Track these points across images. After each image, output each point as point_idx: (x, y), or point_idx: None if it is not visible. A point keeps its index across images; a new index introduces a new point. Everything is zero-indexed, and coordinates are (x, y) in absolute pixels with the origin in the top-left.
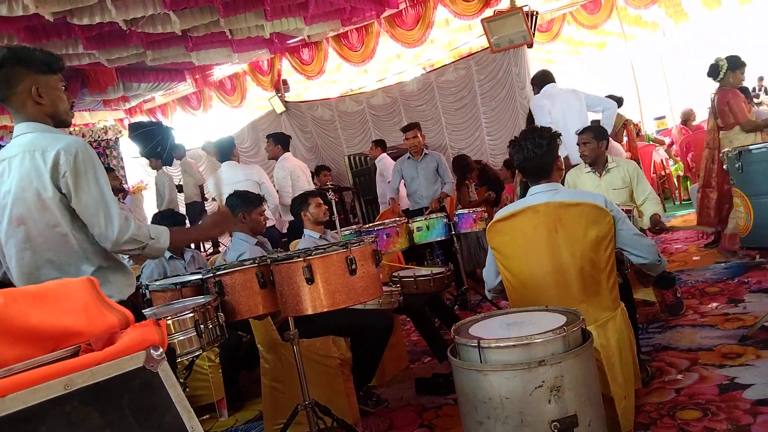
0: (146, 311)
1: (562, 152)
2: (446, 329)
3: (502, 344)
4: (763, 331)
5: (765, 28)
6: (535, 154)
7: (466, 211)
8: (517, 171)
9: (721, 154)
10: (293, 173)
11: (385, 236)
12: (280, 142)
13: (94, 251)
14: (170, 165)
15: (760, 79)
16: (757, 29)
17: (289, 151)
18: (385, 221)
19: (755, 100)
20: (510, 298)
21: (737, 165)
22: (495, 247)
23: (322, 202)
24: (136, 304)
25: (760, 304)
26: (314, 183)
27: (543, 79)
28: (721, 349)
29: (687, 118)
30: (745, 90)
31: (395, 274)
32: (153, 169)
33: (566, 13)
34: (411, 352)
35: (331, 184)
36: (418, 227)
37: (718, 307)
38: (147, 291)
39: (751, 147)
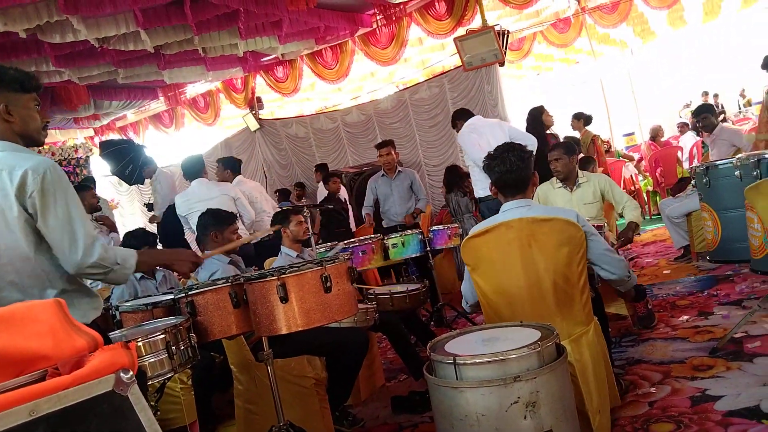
0: (115, 333)
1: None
2: (422, 346)
3: (477, 361)
4: (733, 343)
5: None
6: (518, 167)
7: (440, 227)
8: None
9: (689, 168)
10: (250, 195)
11: (360, 253)
12: (229, 166)
13: (57, 275)
14: (141, 183)
15: (741, 91)
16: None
17: (240, 174)
18: (360, 237)
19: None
20: (485, 313)
21: (705, 180)
22: (469, 263)
23: (303, 220)
24: (106, 325)
25: (729, 317)
26: (326, 189)
27: (465, 114)
28: (693, 362)
29: (655, 134)
30: None
31: (370, 291)
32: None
33: (536, 32)
34: (387, 370)
35: (305, 201)
36: (393, 244)
37: (688, 319)
38: (117, 312)
39: (717, 163)
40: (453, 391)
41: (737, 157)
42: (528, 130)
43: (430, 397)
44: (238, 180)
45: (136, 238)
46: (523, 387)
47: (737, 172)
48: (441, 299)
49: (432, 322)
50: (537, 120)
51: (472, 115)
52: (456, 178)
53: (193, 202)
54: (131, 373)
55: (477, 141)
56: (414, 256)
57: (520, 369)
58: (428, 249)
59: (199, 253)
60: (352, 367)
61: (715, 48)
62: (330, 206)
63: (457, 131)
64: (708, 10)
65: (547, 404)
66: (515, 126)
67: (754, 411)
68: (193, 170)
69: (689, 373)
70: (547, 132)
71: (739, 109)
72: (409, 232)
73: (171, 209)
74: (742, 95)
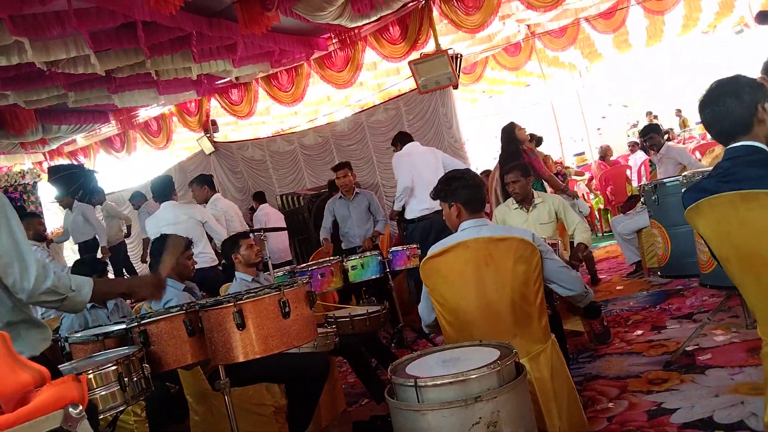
0: (65, 365)
1: (419, 204)
2: (383, 369)
3: (438, 382)
4: (685, 356)
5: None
6: (480, 183)
7: (399, 248)
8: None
9: (638, 186)
10: (227, 213)
11: (319, 276)
12: (206, 182)
13: (2, 307)
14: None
15: (648, 114)
16: (663, 68)
17: (218, 191)
18: (319, 260)
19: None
20: (445, 333)
21: (653, 198)
22: (428, 283)
23: (253, 243)
24: (54, 358)
25: (681, 330)
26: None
27: (404, 138)
28: (648, 375)
29: (605, 154)
30: None
31: (330, 314)
32: (64, 208)
33: (489, 56)
34: (348, 395)
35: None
36: (352, 266)
37: (643, 334)
38: (66, 344)
39: (665, 180)
40: (415, 414)
41: (683, 174)
42: (503, 147)
43: (392, 421)
44: (215, 198)
45: (85, 266)
46: (484, 407)
47: (684, 189)
48: (401, 321)
49: (393, 344)
50: (510, 136)
51: (410, 140)
52: None
53: (161, 226)
54: (81, 407)
55: (408, 167)
56: (374, 277)
57: (480, 389)
58: (388, 270)
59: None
60: (313, 393)
61: (658, 70)
62: (281, 227)
63: (396, 152)
64: (651, 34)
65: (509, 423)
66: (448, 155)
67: (708, 422)
68: (163, 192)
69: (645, 387)
70: (522, 147)
71: (681, 129)
72: (368, 253)
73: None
74: (678, 115)
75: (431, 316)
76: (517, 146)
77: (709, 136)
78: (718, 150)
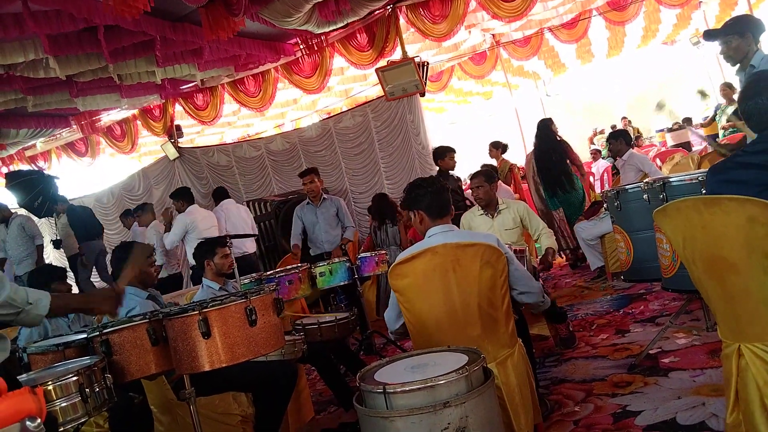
0: (23, 377)
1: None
2: (352, 376)
3: (407, 388)
4: (649, 359)
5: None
6: (443, 189)
7: (368, 254)
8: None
9: (601, 192)
10: (191, 225)
11: (287, 283)
12: (183, 197)
13: None
14: (51, 216)
15: (624, 118)
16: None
17: (193, 202)
18: (287, 267)
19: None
20: (413, 339)
21: (616, 204)
22: (397, 289)
23: (229, 253)
24: (11, 369)
25: (645, 333)
26: (440, 166)
27: (222, 194)
28: (613, 379)
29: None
30: None
31: (298, 321)
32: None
33: (455, 65)
34: (316, 402)
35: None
36: (320, 272)
37: (607, 338)
38: (25, 354)
39: (627, 187)
40: (383, 420)
41: (645, 181)
42: (542, 138)
43: (361, 428)
44: (190, 209)
45: (43, 275)
46: (453, 412)
47: (645, 196)
48: (370, 327)
49: (362, 351)
50: (548, 129)
51: (226, 196)
52: (386, 208)
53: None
54: (39, 420)
55: (224, 216)
56: (342, 284)
57: (449, 394)
58: (356, 276)
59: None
60: (280, 401)
61: (619, 79)
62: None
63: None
64: (612, 45)
65: (477, 428)
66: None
67: (671, 424)
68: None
69: (610, 390)
70: (558, 139)
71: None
72: (336, 259)
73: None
74: (627, 125)
75: (398, 322)
76: (552, 139)
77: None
78: (678, 157)
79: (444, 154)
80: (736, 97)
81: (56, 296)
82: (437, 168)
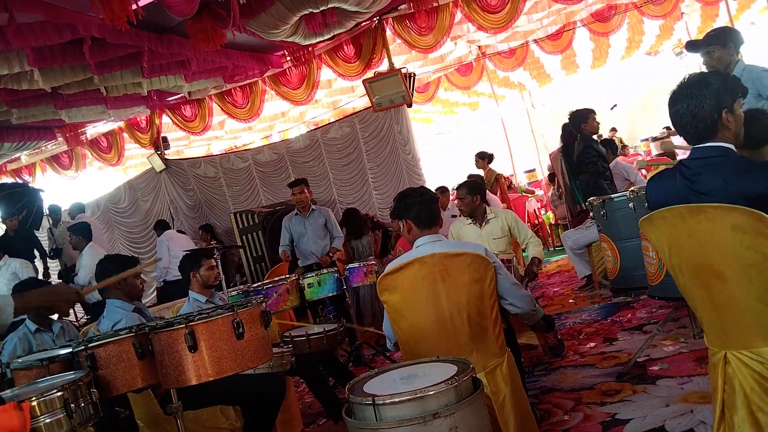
0: (6, 393)
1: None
2: (341, 387)
3: (396, 400)
4: (637, 367)
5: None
6: (432, 198)
7: (356, 264)
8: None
9: (587, 203)
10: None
11: (275, 294)
12: (80, 233)
13: None
14: (37, 229)
15: (613, 130)
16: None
17: (91, 239)
18: (275, 278)
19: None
20: (402, 350)
21: (602, 213)
22: (386, 300)
23: (215, 264)
24: None
25: (632, 341)
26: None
27: (164, 226)
28: (602, 387)
29: (553, 171)
30: None
31: (287, 333)
32: (10, 229)
33: (441, 76)
34: (305, 415)
35: (214, 243)
36: (309, 283)
37: (595, 346)
38: (8, 370)
39: (613, 196)
40: None
41: (630, 190)
42: (567, 135)
43: None
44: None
45: (27, 287)
46: (443, 423)
47: (631, 204)
48: (359, 338)
49: (350, 362)
50: (576, 128)
51: (169, 227)
52: (358, 223)
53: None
54: None
55: (168, 245)
56: (330, 295)
57: (438, 405)
58: (345, 287)
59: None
60: (269, 414)
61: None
62: (236, 245)
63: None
64: (597, 56)
65: None
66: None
67: (660, 431)
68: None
69: (599, 399)
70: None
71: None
72: (324, 271)
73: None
74: (613, 135)
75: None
76: (574, 137)
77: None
78: (663, 166)
79: (586, 117)
80: None
81: (17, 298)
82: (579, 134)
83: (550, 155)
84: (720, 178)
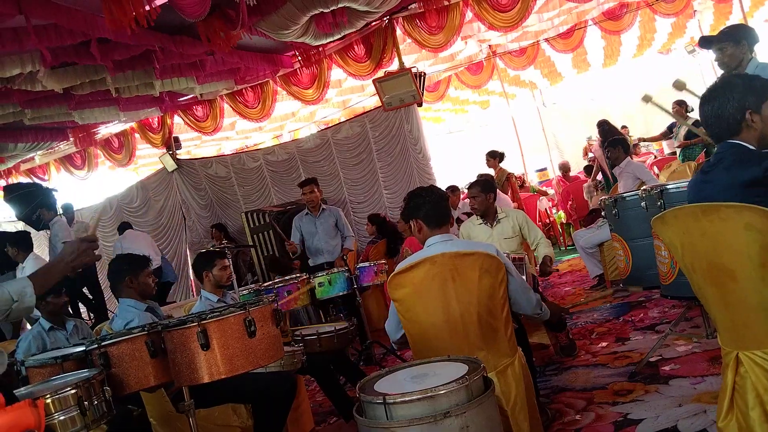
0: (21, 390)
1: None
2: (352, 386)
3: (407, 399)
4: (649, 366)
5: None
6: (443, 198)
7: (367, 264)
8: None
9: (599, 201)
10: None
11: (286, 293)
12: (19, 245)
13: None
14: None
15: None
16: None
17: (32, 249)
18: (286, 278)
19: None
20: (413, 349)
21: (614, 212)
22: (396, 299)
23: (228, 264)
24: (10, 382)
25: (645, 341)
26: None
27: (125, 226)
28: (614, 387)
29: (565, 170)
30: None
31: (297, 332)
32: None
33: (452, 75)
34: (316, 413)
35: (227, 243)
36: (319, 282)
37: (607, 346)
38: (23, 367)
39: (625, 195)
40: (384, 431)
41: (642, 189)
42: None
43: None
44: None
45: None
46: (453, 422)
47: (643, 203)
48: (369, 337)
49: (361, 361)
50: (609, 129)
51: (130, 227)
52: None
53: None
54: None
55: (124, 244)
56: (341, 294)
57: (449, 404)
58: (355, 286)
59: None
60: (280, 413)
61: (615, 89)
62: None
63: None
64: (608, 54)
65: None
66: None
67: None
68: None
69: (611, 399)
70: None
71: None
72: (335, 270)
73: None
74: (626, 134)
75: (399, 332)
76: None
77: (666, 152)
78: (675, 165)
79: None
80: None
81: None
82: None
83: (591, 148)
84: (723, 168)
